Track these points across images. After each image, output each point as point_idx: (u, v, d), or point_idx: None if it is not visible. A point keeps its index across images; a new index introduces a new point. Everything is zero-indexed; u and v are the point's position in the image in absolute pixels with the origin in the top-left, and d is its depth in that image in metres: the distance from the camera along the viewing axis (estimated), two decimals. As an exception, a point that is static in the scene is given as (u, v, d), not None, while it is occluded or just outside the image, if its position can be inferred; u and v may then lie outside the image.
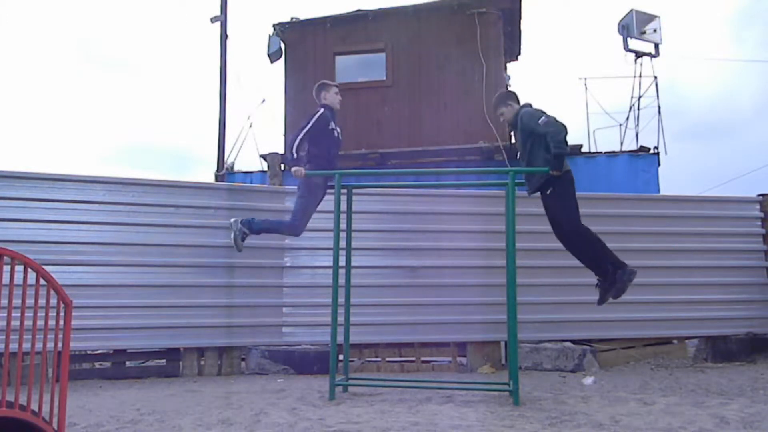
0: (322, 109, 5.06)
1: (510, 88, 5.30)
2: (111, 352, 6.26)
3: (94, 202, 6.02)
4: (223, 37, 11.08)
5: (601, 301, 4.66)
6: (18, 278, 2.50)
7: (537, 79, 31.18)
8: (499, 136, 9.34)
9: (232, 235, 4.96)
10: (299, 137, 4.92)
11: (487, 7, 10.05)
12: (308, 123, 4.95)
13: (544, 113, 4.62)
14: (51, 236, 5.82)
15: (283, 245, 6.40)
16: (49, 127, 38.63)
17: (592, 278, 4.79)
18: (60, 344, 2.76)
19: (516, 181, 4.63)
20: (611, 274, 4.56)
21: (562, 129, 4.46)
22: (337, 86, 5.28)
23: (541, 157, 4.57)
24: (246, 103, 18.91)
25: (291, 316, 6.40)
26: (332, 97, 5.18)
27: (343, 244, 4.82)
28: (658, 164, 9.57)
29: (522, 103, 4.89)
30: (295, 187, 5.29)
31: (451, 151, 9.54)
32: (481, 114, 9.57)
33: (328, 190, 5.01)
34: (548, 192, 4.60)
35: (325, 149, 5.02)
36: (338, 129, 5.17)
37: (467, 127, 9.77)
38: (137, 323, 5.97)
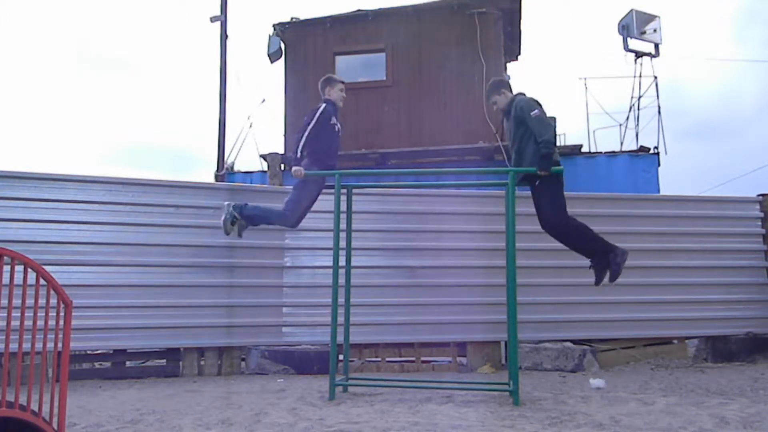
0: (324, 105, 5.05)
1: (503, 78, 5.26)
2: (111, 352, 6.25)
3: (94, 202, 6.02)
4: (223, 37, 11.07)
5: (598, 281, 4.69)
6: (18, 278, 2.49)
7: (537, 79, 31.20)
8: (499, 136, 9.35)
9: (222, 217, 4.95)
10: (305, 136, 4.88)
11: (487, 7, 10.05)
12: (312, 120, 4.93)
13: (539, 106, 4.61)
14: (51, 236, 5.82)
15: (284, 245, 6.41)
16: (49, 127, 38.65)
17: (592, 279, 4.78)
18: (60, 344, 2.76)
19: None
20: (604, 257, 4.58)
21: (550, 128, 4.48)
22: (342, 82, 5.26)
23: (531, 146, 4.56)
24: (246, 103, 18.94)
25: (291, 316, 6.40)
26: (336, 94, 5.17)
27: (343, 244, 4.81)
28: (658, 164, 9.58)
29: (516, 92, 4.89)
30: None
31: (451, 151, 9.54)
32: (481, 114, 9.59)
33: (329, 191, 4.99)
34: (536, 183, 4.61)
35: (326, 144, 5.01)
36: (339, 124, 5.16)
37: (467, 127, 9.78)
38: (137, 323, 5.97)
